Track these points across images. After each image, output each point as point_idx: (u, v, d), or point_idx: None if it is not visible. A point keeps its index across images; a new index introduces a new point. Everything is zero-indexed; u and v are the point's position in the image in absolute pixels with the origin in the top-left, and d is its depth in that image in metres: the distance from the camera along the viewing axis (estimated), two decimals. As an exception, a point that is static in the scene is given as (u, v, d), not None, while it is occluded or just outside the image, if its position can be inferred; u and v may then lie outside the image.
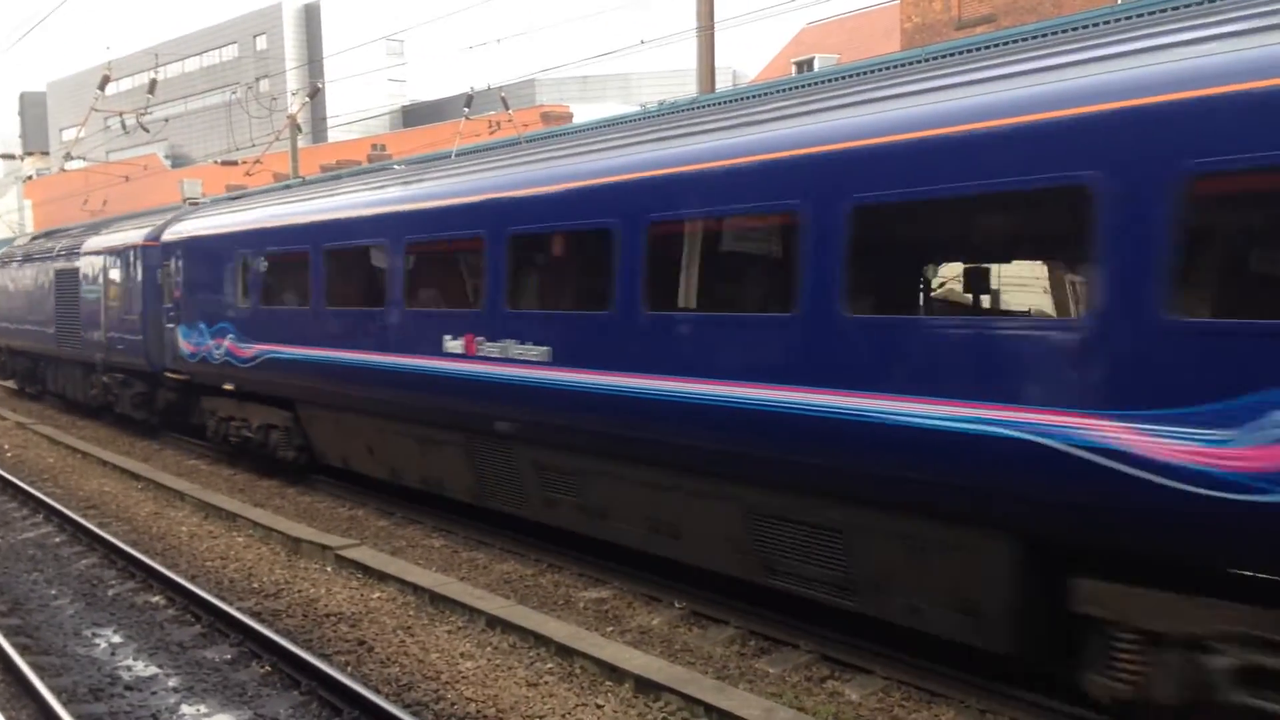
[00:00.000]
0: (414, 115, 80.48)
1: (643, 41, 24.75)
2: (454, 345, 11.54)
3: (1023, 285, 8.36)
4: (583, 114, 47.16)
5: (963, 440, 6.79)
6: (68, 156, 35.17)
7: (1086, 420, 6.18)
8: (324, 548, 12.07)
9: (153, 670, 8.93)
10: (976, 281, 8.37)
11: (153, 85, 29.77)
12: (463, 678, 8.44)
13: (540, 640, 9.04)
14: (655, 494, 9.74)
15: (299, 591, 10.90)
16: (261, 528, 13.35)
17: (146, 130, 30.36)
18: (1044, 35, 14.06)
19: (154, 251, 19.77)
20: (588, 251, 10.49)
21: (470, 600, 9.99)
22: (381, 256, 13.11)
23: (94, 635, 9.87)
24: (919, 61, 13.55)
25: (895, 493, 7.47)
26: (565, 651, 8.75)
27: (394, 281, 12.65)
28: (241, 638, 9.42)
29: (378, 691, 7.99)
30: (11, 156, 51.91)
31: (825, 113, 8.13)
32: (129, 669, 8.97)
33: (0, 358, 30.65)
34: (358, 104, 68.31)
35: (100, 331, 22.06)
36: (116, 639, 9.75)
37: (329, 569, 11.70)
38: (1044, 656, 7.31)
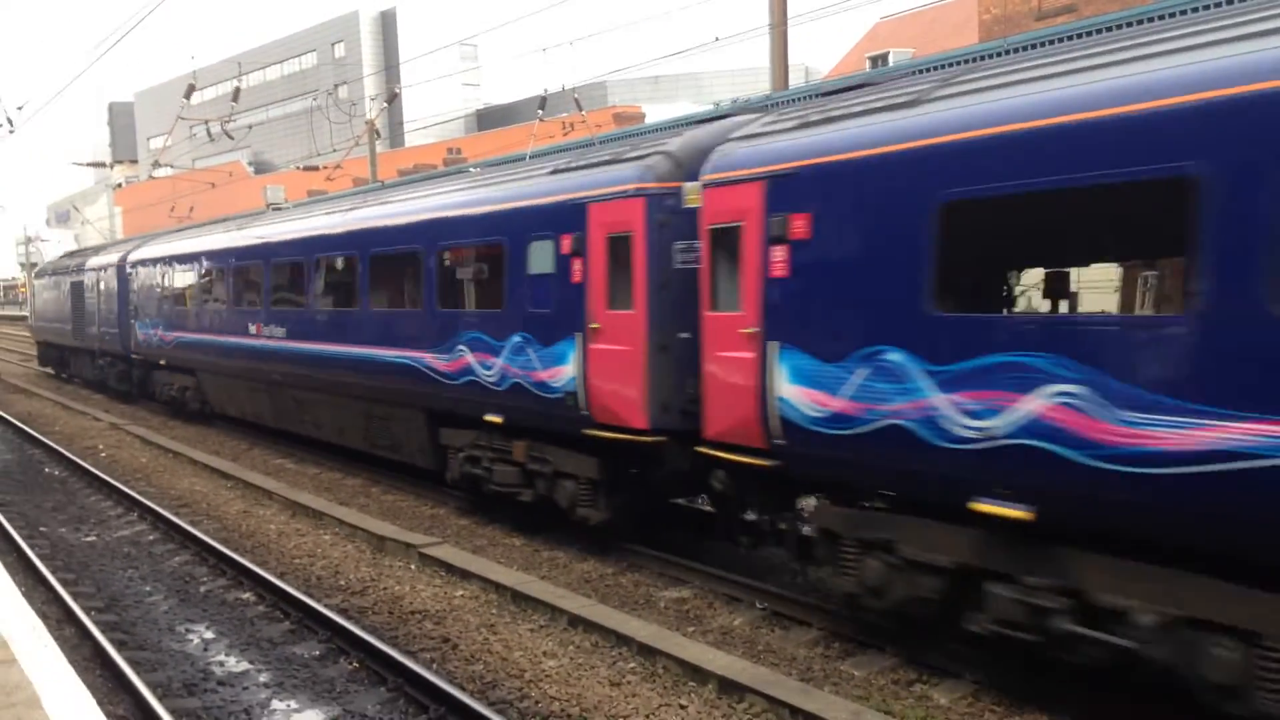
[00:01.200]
0: (488, 118, 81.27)
1: (716, 39, 24.70)
2: (250, 329, 19.41)
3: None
4: (655, 114, 47.22)
5: None
6: (155, 164, 36.15)
7: None
8: (408, 546, 12.23)
9: (244, 666, 9.12)
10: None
11: (236, 93, 30.46)
12: (546, 676, 8.49)
13: (622, 640, 9.05)
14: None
15: (384, 589, 11.06)
16: (347, 526, 13.57)
17: (231, 137, 31.09)
18: (1128, 24, 13.72)
19: (124, 269, 26.99)
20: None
21: (552, 599, 10.04)
22: (212, 273, 21.71)
23: (187, 631, 10.11)
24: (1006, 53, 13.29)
25: None
26: (648, 651, 8.75)
27: (225, 289, 20.84)
28: (329, 634, 9.58)
29: (463, 689, 8.07)
30: (101, 165, 53.51)
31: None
32: (221, 664, 9.18)
33: (41, 349, 38.98)
34: (434, 108, 69.18)
35: (96, 327, 29.27)
36: (209, 635, 9.98)
37: (413, 567, 11.86)
38: None
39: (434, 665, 8.79)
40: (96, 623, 9.87)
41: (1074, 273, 9.52)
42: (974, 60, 14.39)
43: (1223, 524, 6.00)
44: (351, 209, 16.76)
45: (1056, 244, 9.02)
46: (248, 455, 19.87)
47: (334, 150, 32.93)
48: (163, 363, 24.82)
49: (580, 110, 28.17)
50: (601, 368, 10.82)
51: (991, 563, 7.38)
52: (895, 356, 7.68)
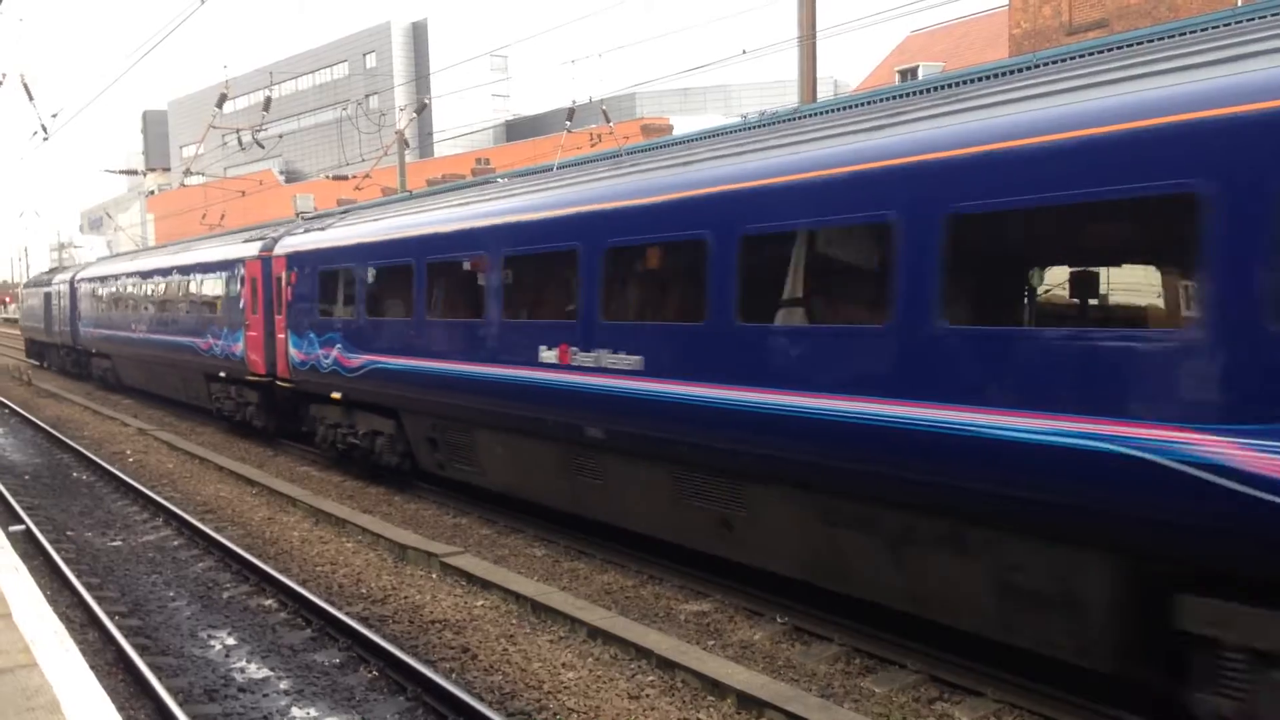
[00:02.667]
0: (517, 129, 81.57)
1: (744, 51, 24.64)
2: (139, 327, 28.80)
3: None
4: (683, 126, 47.23)
5: None
6: (187, 172, 36.52)
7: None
8: (429, 555, 12.25)
9: (265, 673, 9.15)
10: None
11: (268, 103, 30.74)
12: (565, 688, 8.46)
13: (642, 652, 9.01)
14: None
15: (405, 598, 11.07)
16: (370, 534, 13.61)
17: (261, 146, 31.36)
18: (1159, 39, 13.62)
19: (74, 284, 36.77)
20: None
21: (572, 610, 10.02)
22: (120, 288, 31.50)
23: (209, 637, 10.16)
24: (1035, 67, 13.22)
25: None
26: (667, 664, 8.71)
27: (128, 299, 30.55)
28: (350, 642, 9.60)
29: (482, 699, 8.06)
30: (135, 172, 54.10)
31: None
32: (242, 671, 9.21)
33: (27, 344, 50.22)
34: (463, 119, 69.54)
35: (58, 326, 39.78)
36: (231, 641, 10.03)
37: (434, 576, 11.87)
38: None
39: (453, 675, 8.79)
40: (120, 627, 9.93)
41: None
42: (978, 79, 14.32)
43: None
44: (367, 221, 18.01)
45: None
46: (272, 462, 19.98)
47: (363, 160, 33.15)
48: (94, 351, 34.80)
49: (608, 122, 28.23)
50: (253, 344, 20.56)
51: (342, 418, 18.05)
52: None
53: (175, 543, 13.94)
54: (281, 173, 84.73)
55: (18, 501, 15.90)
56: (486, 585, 11.17)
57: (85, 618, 10.46)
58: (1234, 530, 5.92)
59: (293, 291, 18.81)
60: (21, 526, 14.02)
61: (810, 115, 15.44)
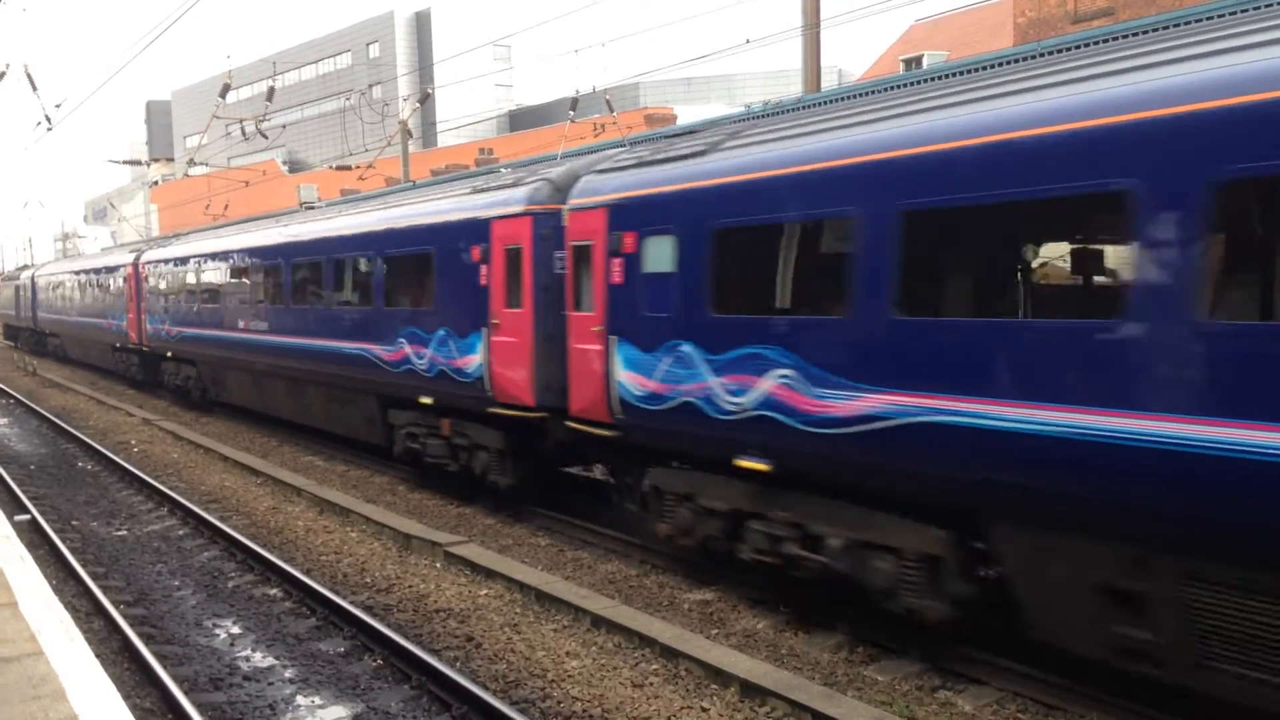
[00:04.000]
0: (520, 119, 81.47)
1: (748, 41, 24.57)
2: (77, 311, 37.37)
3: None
4: (686, 115, 47.14)
5: None
6: (191, 162, 36.47)
7: None
8: (434, 544, 12.28)
9: (270, 661, 9.19)
10: None
11: (271, 93, 30.65)
12: (569, 676, 8.49)
13: (645, 641, 9.04)
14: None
15: (409, 587, 11.10)
16: (374, 523, 13.64)
17: (265, 136, 31.31)
18: (1163, 28, 13.58)
19: (35, 279, 46.96)
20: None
21: (576, 599, 10.05)
22: (64, 284, 40.86)
23: (214, 626, 10.20)
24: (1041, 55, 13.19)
25: None
26: (670, 653, 8.73)
27: (70, 293, 39.19)
28: (355, 631, 9.63)
29: (486, 688, 8.09)
30: (138, 163, 54.00)
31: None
32: (247, 659, 9.25)
33: (4, 328, 59.62)
34: (466, 109, 69.46)
35: (25, 311, 49.39)
36: (235, 630, 10.06)
37: (438, 565, 11.90)
38: None
39: (457, 664, 8.81)
40: (125, 616, 9.97)
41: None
42: (1000, 64, 14.28)
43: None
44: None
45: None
46: (277, 452, 20.02)
47: (366, 150, 33.11)
48: (48, 331, 45.16)
49: (612, 111, 28.16)
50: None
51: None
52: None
53: (180, 532, 13.98)
54: (285, 163, 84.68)
55: (23, 491, 15.94)
56: (490, 574, 11.19)
57: (91, 607, 10.50)
58: None
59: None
60: (27, 516, 14.07)
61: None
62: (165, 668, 8.59)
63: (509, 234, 12.77)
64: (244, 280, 21.33)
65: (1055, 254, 7.99)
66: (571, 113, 27.46)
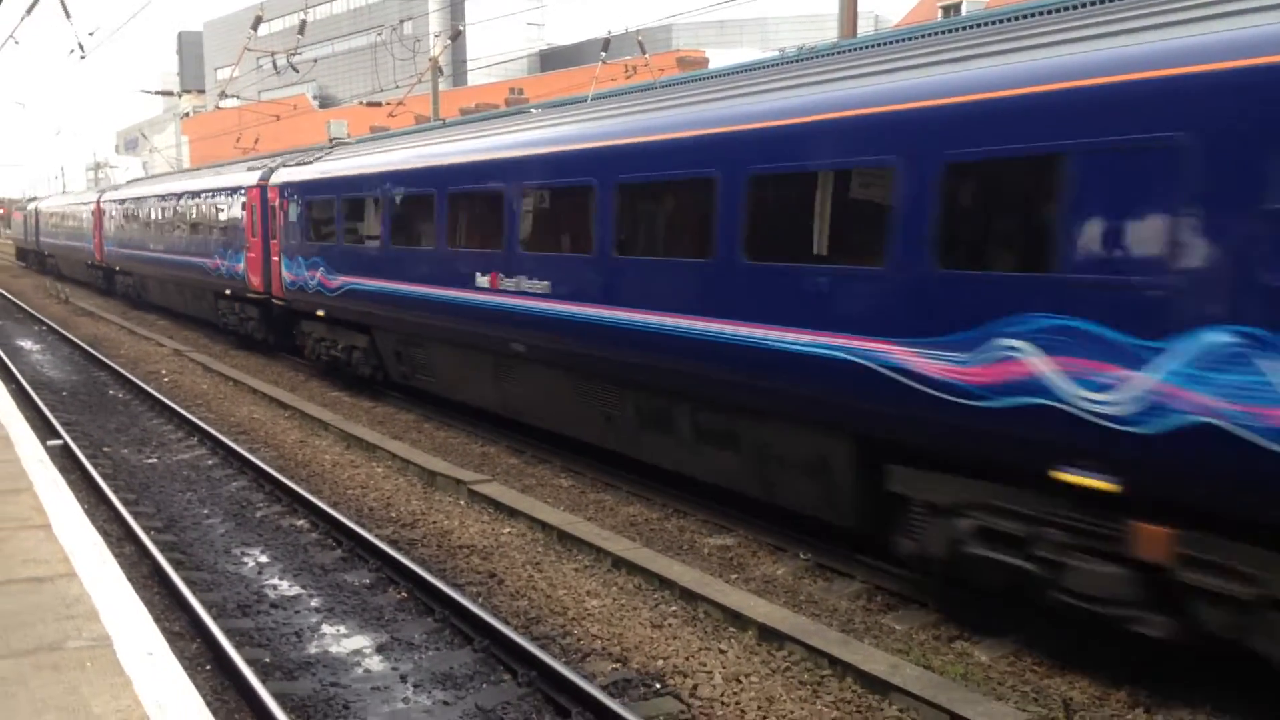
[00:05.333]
0: (551, 59, 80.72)
1: (785, -16, 24.24)
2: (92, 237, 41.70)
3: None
4: (719, 59, 46.61)
5: None
6: (222, 95, 36.43)
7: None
8: (458, 482, 12.41)
9: (296, 590, 9.36)
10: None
11: (302, 26, 30.49)
12: (589, 615, 8.61)
13: (665, 583, 9.14)
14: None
15: (434, 523, 11.24)
16: (399, 459, 13.79)
17: (296, 70, 31.25)
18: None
19: (38, 211, 56.79)
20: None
21: (597, 540, 10.15)
22: (57, 216, 51.29)
23: (243, 554, 10.38)
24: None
25: None
26: (689, 595, 8.83)
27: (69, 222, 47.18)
28: (380, 564, 9.78)
29: (507, 623, 8.21)
30: (169, 94, 54.00)
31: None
32: (274, 588, 9.42)
33: (16, 250, 70.51)
34: (497, 47, 68.87)
35: (34, 236, 57.96)
36: (263, 559, 10.24)
37: (462, 502, 12.03)
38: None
39: (480, 599, 8.95)
40: (155, 542, 10.16)
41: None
42: (1015, 19, 13.96)
43: None
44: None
45: None
46: (305, 386, 20.20)
47: (397, 86, 32.97)
48: (47, 252, 53.83)
49: (644, 53, 27.87)
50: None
51: None
52: None
53: (209, 462, 14.19)
54: (315, 98, 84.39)
55: (55, 417, 16.19)
56: (513, 513, 11.32)
57: (122, 532, 10.70)
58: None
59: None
60: (60, 441, 14.30)
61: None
62: (194, 593, 8.77)
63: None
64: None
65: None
66: (603, 54, 27.21)
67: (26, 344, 27.03)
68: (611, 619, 8.53)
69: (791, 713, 6.95)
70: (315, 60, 49.16)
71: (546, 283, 12.25)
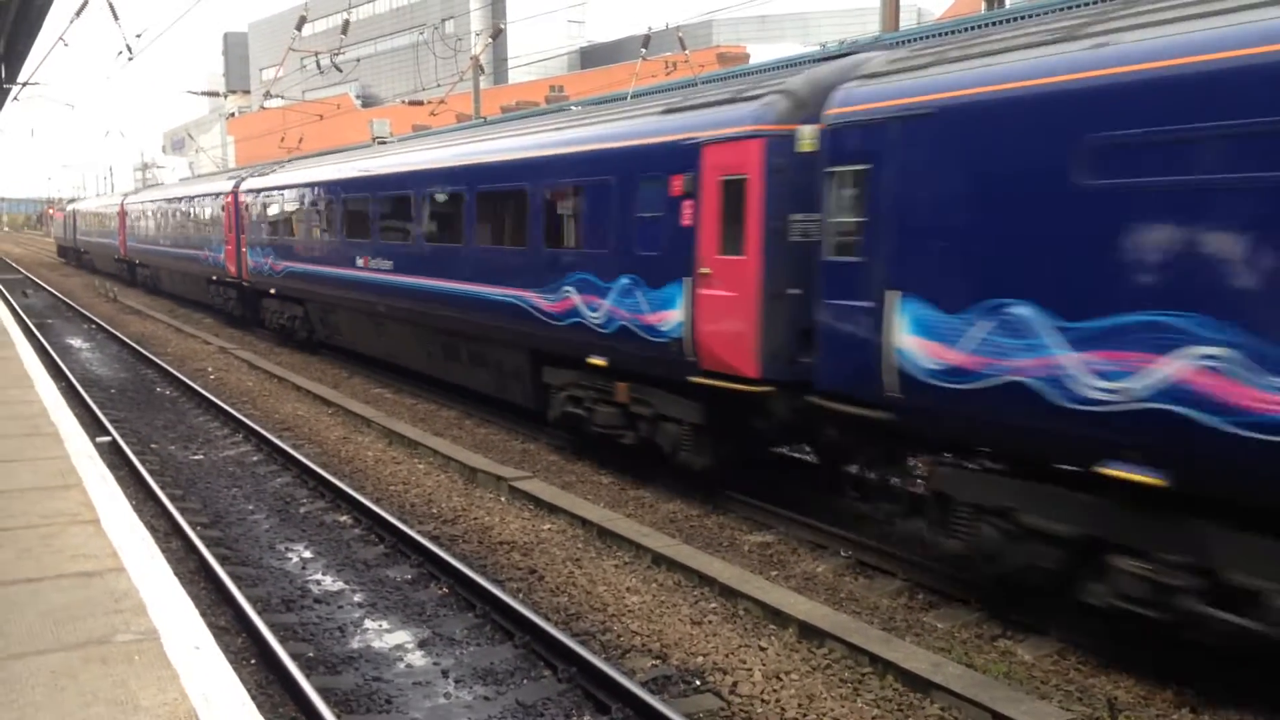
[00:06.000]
0: (591, 56, 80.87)
1: (826, -22, 24.13)
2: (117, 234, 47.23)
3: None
4: (760, 54, 46.43)
5: None
6: (267, 95, 36.84)
7: None
8: (499, 478, 12.47)
9: (339, 585, 9.45)
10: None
11: (346, 26, 30.76)
12: (629, 611, 8.62)
13: (705, 580, 9.13)
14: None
15: (475, 519, 11.31)
16: (441, 456, 13.88)
17: (339, 70, 31.47)
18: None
19: (74, 214, 63.64)
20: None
21: (637, 537, 10.16)
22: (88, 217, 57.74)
23: (287, 550, 10.50)
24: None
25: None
26: (729, 593, 8.81)
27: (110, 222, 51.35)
28: (421, 560, 9.86)
29: (548, 619, 8.24)
30: (216, 94, 54.74)
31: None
32: (318, 583, 9.52)
33: (58, 248, 76.20)
34: (538, 45, 69.07)
35: (68, 234, 66.39)
36: (307, 554, 10.35)
37: (503, 499, 12.09)
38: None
39: (520, 595, 8.99)
40: (202, 538, 10.30)
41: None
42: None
43: None
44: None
45: None
46: (348, 384, 20.40)
47: (439, 85, 33.15)
48: (83, 250, 58.69)
49: (684, 49, 27.85)
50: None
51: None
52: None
53: (254, 458, 14.36)
54: (358, 97, 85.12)
55: (104, 414, 16.45)
56: (553, 510, 11.36)
57: (169, 527, 10.85)
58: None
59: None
60: (108, 438, 14.53)
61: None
62: (240, 588, 8.88)
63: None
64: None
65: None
66: (644, 50, 27.23)
67: (76, 342, 27.49)
68: (651, 615, 8.53)
69: (831, 710, 6.92)
70: (358, 60, 49.59)
71: (390, 262, 18.04)
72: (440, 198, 16.56)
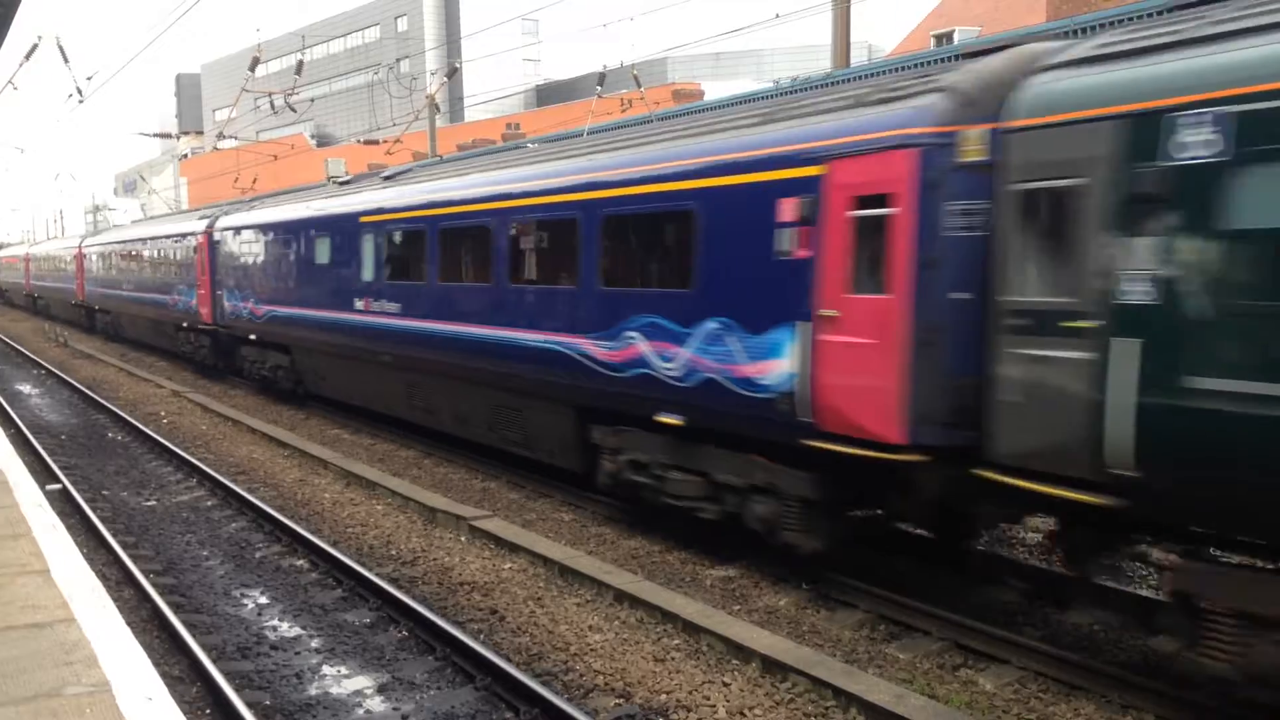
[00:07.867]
0: (548, 94, 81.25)
1: (777, 15, 24.45)
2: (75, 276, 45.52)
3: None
4: (715, 91, 46.89)
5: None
6: (220, 136, 36.65)
7: None
8: (458, 518, 12.37)
9: (296, 631, 9.31)
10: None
11: (300, 66, 30.72)
12: (591, 650, 8.56)
13: (667, 616, 9.09)
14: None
15: (434, 560, 11.20)
16: (399, 497, 13.75)
17: (294, 110, 31.37)
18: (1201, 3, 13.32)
19: (29, 260, 60.71)
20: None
21: (599, 574, 10.11)
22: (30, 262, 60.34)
23: (242, 595, 10.33)
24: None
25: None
26: (692, 628, 8.78)
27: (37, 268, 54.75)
28: (380, 603, 9.74)
29: (509, 660, 8.16)
30: (168, 135, 54.34)
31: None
32: (274, 629, 9.37)
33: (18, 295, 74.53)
34: (494, 83, 69.31)
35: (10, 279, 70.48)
36: (263, 600, 10.19)
37: (463, 539, 11.99)
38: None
39: (481, 636, 8.90)
40: (154, 585, 10.12)
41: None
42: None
43: None
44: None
45: None
46: (305, 425, 20.19)
47: (394, 125, 33.17)
48: (37, 294, 57.19)
49: (639, 87, 28.08)
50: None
51: None
52: None
53: (209, 503, 14.15)
54: (313, 137, 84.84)
55: (55, 461, 16.16)
56: (514, 548, 11.28)
57: (121, 575, 10.65)
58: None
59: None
60: (59, 485, 14.27)
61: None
62: (194, 636, 8.72)
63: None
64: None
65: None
66: (599, 88, 27.44)
67: (25, 388, 27.03)
68: (614, 654, 8.48)
69: (796, 746, 6.89)
70: (312, 100, 49.38)
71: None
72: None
